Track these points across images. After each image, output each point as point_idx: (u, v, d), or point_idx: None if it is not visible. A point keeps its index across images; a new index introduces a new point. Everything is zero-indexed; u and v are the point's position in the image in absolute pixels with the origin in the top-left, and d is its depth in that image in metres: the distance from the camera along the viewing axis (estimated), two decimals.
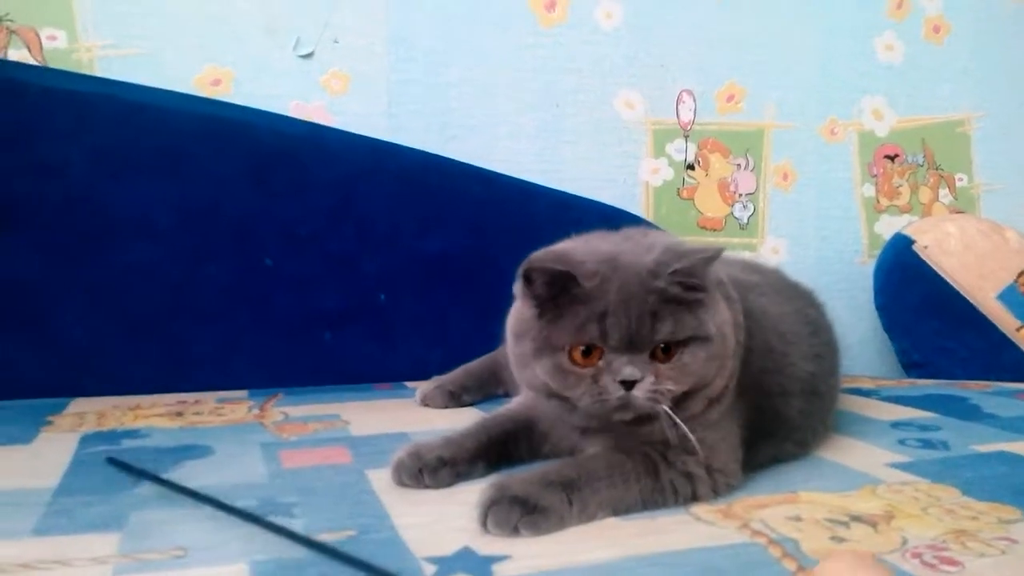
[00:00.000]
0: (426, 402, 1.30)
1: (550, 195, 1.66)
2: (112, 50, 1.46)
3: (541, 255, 0.81)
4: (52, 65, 1.43)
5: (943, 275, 1.65)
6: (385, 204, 1.54)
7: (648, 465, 0.83)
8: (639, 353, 0.80)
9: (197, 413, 1.23)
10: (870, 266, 1.89)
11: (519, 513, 0.74)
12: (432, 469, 0.87)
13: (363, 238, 1.53)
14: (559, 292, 0.81)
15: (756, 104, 1.86)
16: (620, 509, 0.80)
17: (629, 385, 0.79)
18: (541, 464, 0.87)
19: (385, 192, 1.54)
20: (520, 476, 0.80)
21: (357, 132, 1.55)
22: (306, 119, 1.54)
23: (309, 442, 1.07)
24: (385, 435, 1.10)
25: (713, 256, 0.82)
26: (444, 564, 0.69)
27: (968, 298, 1.65)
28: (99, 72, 1.46)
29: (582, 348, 0.80)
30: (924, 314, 1.69)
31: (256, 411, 1.24)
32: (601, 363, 0.80)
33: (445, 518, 0.79)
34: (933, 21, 1.96)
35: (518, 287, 0.85)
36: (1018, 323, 1.65)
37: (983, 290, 1.64)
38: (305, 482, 0.90)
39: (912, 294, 1.70)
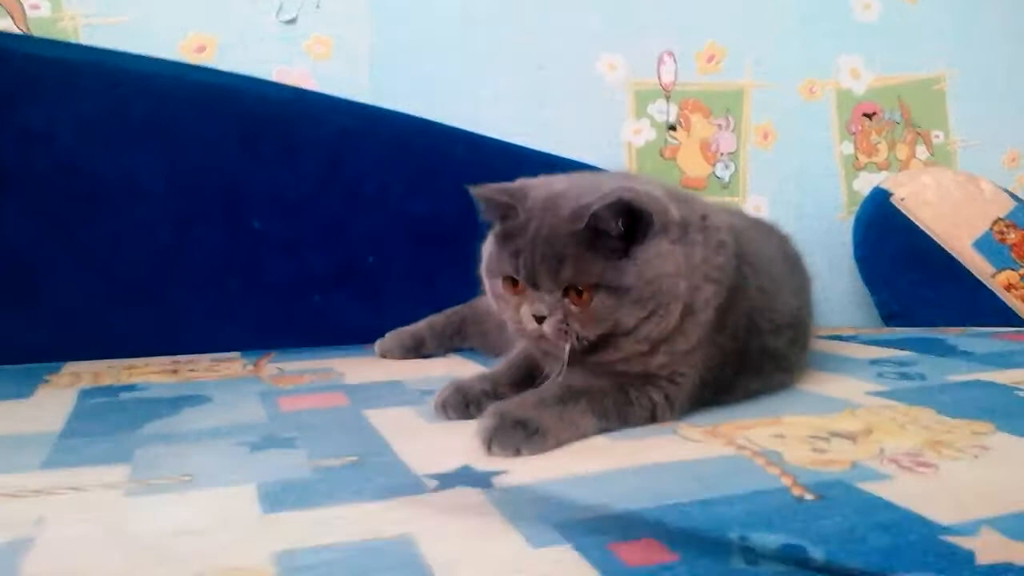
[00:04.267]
0: (384, 353, 1.34)
1: (536, 157, 1.68)
2: (96, 18, 1.47)
3: (492, 185, 0.88)
4: (36, 34, 1.43)
5: (920, 226, 1.69)
6: (373, 167, 1.56)
7: (618, 386, 0.88)
8: (551, 291, 0.84)
9: (192, 370, 1.25)
10: (849, 222, 1.93)
11: (522, 435, 0.79)
12: (477, 401, 0.92)
13: (351, 201, 1.55)
14: (505, 220, 0.87)
15: (736, 64, 1.88)
16: (600, 415, 0.85)
17: (541, 319, 0.84)
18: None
19: (373, 155, 1.56)
20: (515, 401, 0.84)
21: (341, 97, 1.56)
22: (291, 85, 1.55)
23: (305, 390, 1.10)
24: (379, 383, 1.13)
25: (633, 202, 0.80)
26: (445, 479, 0.71)
27: (945, 247, 1.69)
28: (84, 41, 1.46)
29: (506, 279, 0.87)
30: (902, 265, 1.73)
31: (251, 367, 1.27)
32: (521, 295, 0.86)
33: (444, 444, 0.82)
34: None
35: None
36: (993, 269, 1.69)
37: (959, 239, 1.68)
38: (304, 420, 0.93)
39: (890, 246, 1.74)
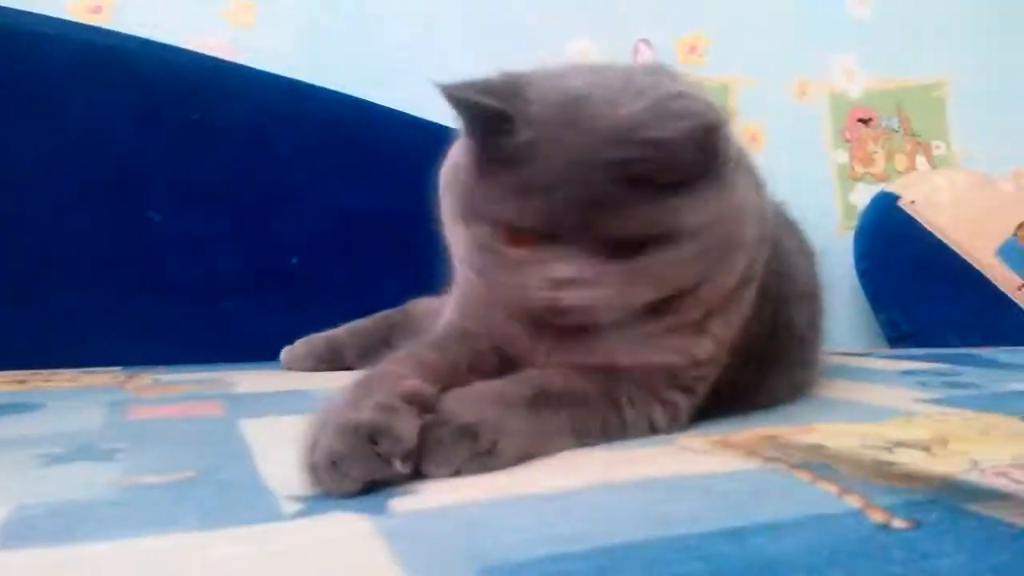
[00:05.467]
0: (291, 364, 1.07)
1: None
2: None
3: (477, 80, 0.58)
4: None
5: (934, 232, 1.48)
6: (302, 152, 1.32)
7: (607, 396, 0.61)
8: (581, 244, 0.57)
9: (48, 380, 0.97)
10: (845, 238, 1.71)
11: (468, 449, 0.51)
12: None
13: (273, 191, 1.30)
14: (496, 134, 0.57)
15: (720, 57, 1.68)
16: (580, 435, 0.58)
17: (560, 284, 0.57)
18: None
19: (301, 139, 1.32)
20: (462, 396, 0.56)
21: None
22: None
23: (172, 399, 0.83)
24: (276, 393, 0.87)
25: (717, 124, 0.57)
26: (314, 503, 0.45)
27: (963, 256, 1.47)
28: None
29: (504, 227, 0.59)
30: (914, 278, 1.51)
31: (123, 378, 0.99)
32: (530, 250, 0.58)
33: None
34: None
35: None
36: (1020, 280, 1.47)
37: (980, 246, 1.46)
38: (148, 430, 0.66)
39: (899, 256, 1.52)
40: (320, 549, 0.39)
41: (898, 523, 0.41)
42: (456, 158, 0.63)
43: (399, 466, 0.47)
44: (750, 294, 0.66)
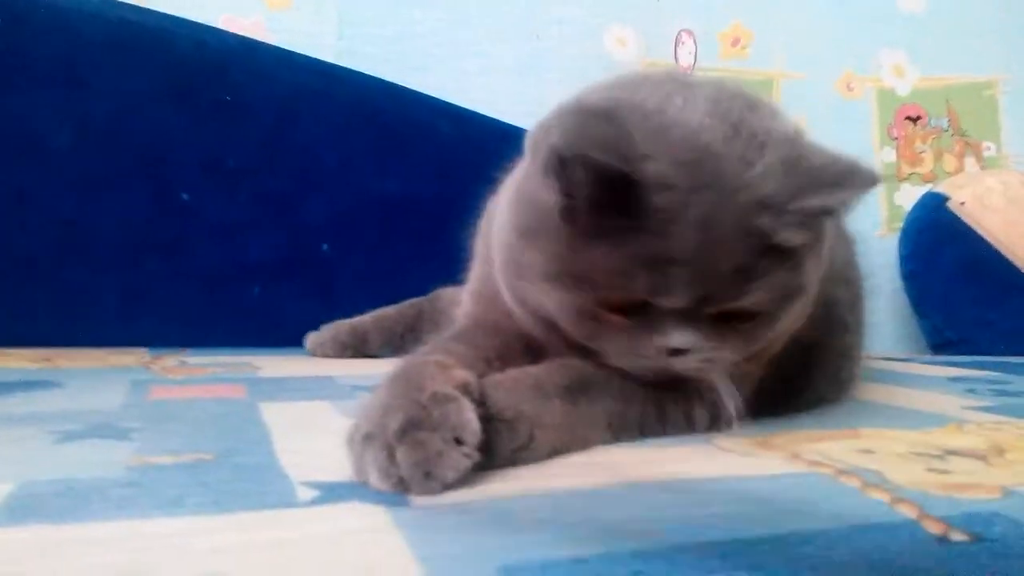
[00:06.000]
0: (315, 350, 1.05)
1: None
2: None
3: (589, 128, 0.49)
4: None
5: (984, 235, 1.42)
6: (333, 136, 1.29)
7: (648, 389, 0.57)
8: (701, 314, 0.53)
9: (72, 359, 0.96)
10: (890, 240, 1.66)
11: (506, 441, 0.48)
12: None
13: (304, 175, 1.28)
14: (606, 194, 0.50)
15: (764, 50, 1.64)
16: (617, 430, 0.56)
17: (677, 353, 0.53)
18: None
19: (334, 122, 1.30)
20: (497, 384, 0.53)
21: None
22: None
23: (197, 380, 0.81)
24: (301, 377, 0.85)
25: (868, 184, 0.53)
26: (331, 490, 0.43)
27: (1014, 260, 1.41)
28: None
29: (617, 302, 0.53)
30: (961, 281, 1.45)
31: (148, 359, 0.98)
32: (648, 322, 0.53)
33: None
34: None
35: (533, 146, 0.55)
36: None
37: None
38: (167, 410, 0.65)
39: (947, 259, 1.46)
40: (334, 538, 0.36)
41: (957, 535, 0.37)
42: (532, 195, 0.55)
43: (472, 456, 0.44)
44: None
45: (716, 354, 0.53)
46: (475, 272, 0.72)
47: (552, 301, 0.55)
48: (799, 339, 0.63)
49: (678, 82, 0.57)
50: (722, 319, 0.53)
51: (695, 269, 0.50)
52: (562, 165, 0.50)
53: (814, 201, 0.51)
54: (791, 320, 0.56)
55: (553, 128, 0.50)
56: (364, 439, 0.44)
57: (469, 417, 0.45)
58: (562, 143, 0.49)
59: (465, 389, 0.48)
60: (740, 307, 0.52)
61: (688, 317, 0.52)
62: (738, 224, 0.50)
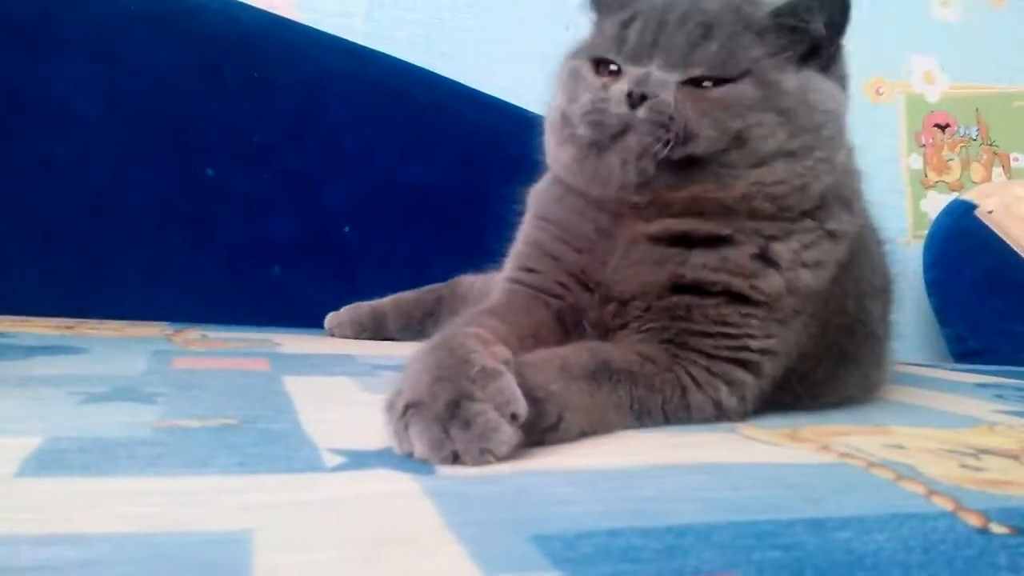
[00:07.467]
0: (333, 330, 1.05)
1: None
2: None
3: None
4: None
5: (1011, 244, 1.40)
6: (359, 117, 1.29)
7: (671, 376, 0.58)
8: (670, 70, 0.59)
9: (94, 328, 0.96)
10: (914, 248, 1.64)
11: (535, 422, 0.47)
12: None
13: (329, 156, 1.28)
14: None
15: None
16: (639, 415, 0.55)
17: (640, 100, 0.57)
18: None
19: (360, 103, 1.29)
20: (525, 363, 0.52)
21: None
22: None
23: (220, 353, 0.81)
24: (321, 355, 0.84)
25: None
26: (358, 457, 0.43)
27: None
28: None
29: (595, 60, 0.63)
30: (986, 291, 1.43)
31: (169, 332, 0.98)
32: (617, 75, 0.61)
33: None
34: None
35: None
36: None
37: None
38: (191, 379, 0.64)
39: (972, 267, 1.44)
40: (363, 502, 0.36)
41: (998, 528, 0.37)
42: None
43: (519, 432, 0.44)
44: (828, 254, 0.62)
45: (669, 110, 0.57)
46: (520, 232, 0.72)
47: (561, 75, 0.67)
48: (833, 347, 0.63)
49: None
50: (692, 83, 0.59)
51: (659, 20, 0.60)
52: None
53: None
54: (763, 112, 0.58)
55: None
56: (408, 408, 0.44)
57: (518, 393, 0.45)
58: None
59: (507, 365, 0.48)
60: (709, 63, 0.59)
61: (655, 70, 0.59)
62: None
